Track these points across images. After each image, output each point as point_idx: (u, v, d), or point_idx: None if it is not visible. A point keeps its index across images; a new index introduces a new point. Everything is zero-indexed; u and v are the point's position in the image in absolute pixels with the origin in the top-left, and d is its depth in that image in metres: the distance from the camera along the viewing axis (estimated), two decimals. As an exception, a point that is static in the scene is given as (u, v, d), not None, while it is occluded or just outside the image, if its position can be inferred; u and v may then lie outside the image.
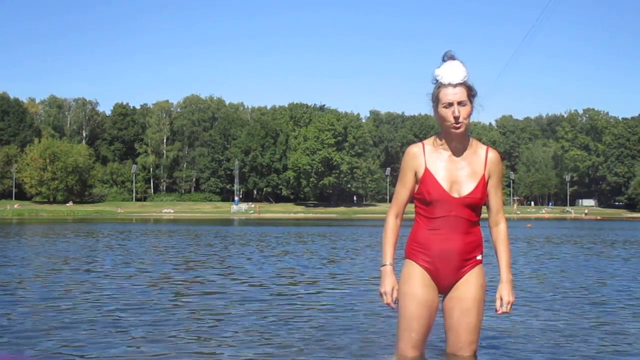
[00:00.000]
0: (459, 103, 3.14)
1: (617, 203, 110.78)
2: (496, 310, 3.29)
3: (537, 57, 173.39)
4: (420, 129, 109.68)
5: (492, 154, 3.28)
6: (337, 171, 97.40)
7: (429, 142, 3.29)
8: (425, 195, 3.20)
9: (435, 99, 3.22)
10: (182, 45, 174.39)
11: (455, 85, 3.16)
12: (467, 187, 3.19)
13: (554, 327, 5.12)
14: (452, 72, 3.15)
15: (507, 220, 3.41)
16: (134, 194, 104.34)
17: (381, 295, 3.28)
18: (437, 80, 3.22)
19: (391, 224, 3.31)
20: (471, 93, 3.19)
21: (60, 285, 7.60)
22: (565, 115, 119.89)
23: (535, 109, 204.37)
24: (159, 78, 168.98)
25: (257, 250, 14.41)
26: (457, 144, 3.23)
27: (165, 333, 4.75)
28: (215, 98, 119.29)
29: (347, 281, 8.25)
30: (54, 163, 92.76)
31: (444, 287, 3.26)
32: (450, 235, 3.18)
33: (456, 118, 3.13)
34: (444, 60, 3.22)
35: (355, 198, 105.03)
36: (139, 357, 4.08)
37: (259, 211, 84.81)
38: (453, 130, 3.16)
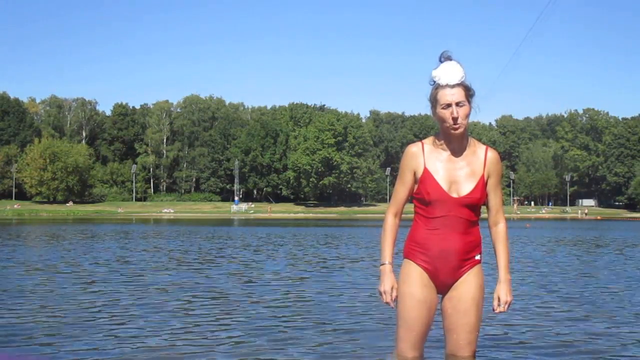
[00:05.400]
0: (457, 104, 3.14)
1: (617, 203, 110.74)
2: (493, 309, 3.29)
3: (537, 57, 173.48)
4: (420, 129, 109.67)
5: (491, 154, 3.27)
6: (337, 171, 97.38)
7: (428, 142, 3.29)
8: (425, 195, 3.20)
9: (434, 100, 3.22)
10: (182, 45, 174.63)
11: (453, 86, 3.15)
12: (466, 187, 3.19)
13: (553, 326, 5.12)
14: (449, 73, 3.15)
15: (507, 220, 3.41)
16: (134, 194, 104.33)
17: (380, 294, 3.28)
18: (434, 82, 3.22)
19: (390, 223, 3.31)
20: (469, 93, 3.19)
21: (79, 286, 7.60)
22: (565, 115, 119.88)
23: (535, 109, 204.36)
24: (159, 78, 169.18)
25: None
26: (456, 144, 3.23)
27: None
28: (215, 98, 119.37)
29: (347, 285, 8.25)
30: (54, 163, 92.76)
31: (442, 287, 3.26)
32: (449, 235, 3.18)
33: (455, 119, 3.13)
34: (440, 61, 3.21)
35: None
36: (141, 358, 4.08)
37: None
38: (452, 131, 3.16)
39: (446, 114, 3.15)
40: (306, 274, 9.20)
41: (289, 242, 18.05)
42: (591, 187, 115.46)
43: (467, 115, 3.17)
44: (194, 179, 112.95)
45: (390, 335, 4.09)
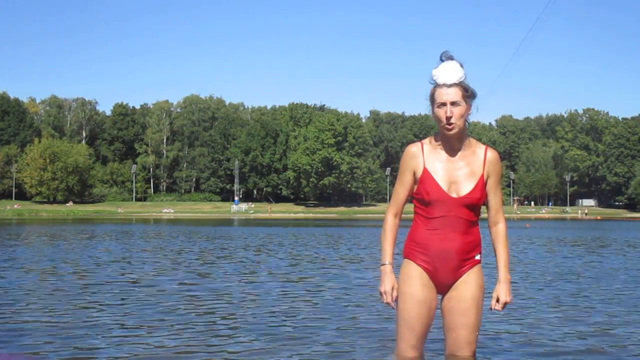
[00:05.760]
0: (452, 103, 3.14)
1: (617, 203, 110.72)
2: (490, 308, 3.29)
3: (537, 57, 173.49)
4: (420, 129, 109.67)
5: (491, 154, 3.27)
6: (337, 171, 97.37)
7: (427, 142, 3.29)
8: (424, 196, 3.20)
9: (431, 99, 3.23)
10: (182, 45, 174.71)
11: (450, 86, 3.15)
12: (465, 187, 3.19)
13: (553, 327, 5.12)
14: (447, 73, 3.15)
15: (507, 220, 3.40)
16: (134, 194, 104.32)
17: (381, 294, 3.28)
18: (434, 81, 3.22)
19: (390, 223, 3.31)
20: (467, 94, 3.18)
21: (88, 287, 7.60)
22: (565, 115, 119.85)
23: (535, 109, 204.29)
24: (159, 78, 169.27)
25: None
26: (456, 144, 3.23)
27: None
28: (215, 98, 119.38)
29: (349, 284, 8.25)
30: (54, 163, 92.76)
31: (442, 287, 3.26)
32: (449, 235, 3.18)
33: (448, 118, 3.13)
34: (441, 60, 3.22)
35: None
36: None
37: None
38: (446, 131, 3.17)
39: (441, 112, 3.15)
40: (307, 274, 9.20)
41: (290, 242, 18.05)
42: (591, 187, 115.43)
43: (463, 116, 3.16)
44: (194, 179, 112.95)
45: (391, 335, 4.09)
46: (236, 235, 22.98)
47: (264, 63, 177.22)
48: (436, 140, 3.26)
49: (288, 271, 9.57)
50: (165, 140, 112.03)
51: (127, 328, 4.94)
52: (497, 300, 3.26)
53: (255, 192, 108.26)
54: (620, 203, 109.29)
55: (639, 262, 11.64)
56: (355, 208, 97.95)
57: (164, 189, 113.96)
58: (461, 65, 3.18)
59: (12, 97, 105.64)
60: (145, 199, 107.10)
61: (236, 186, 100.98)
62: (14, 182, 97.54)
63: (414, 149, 3.27)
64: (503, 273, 3.28)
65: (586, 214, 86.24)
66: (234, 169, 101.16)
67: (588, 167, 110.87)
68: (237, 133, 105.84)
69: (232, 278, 8.56)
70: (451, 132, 3.16)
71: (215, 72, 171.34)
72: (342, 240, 18.95)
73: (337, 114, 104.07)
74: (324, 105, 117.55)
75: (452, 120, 3.13)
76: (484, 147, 3.29)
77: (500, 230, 3.32)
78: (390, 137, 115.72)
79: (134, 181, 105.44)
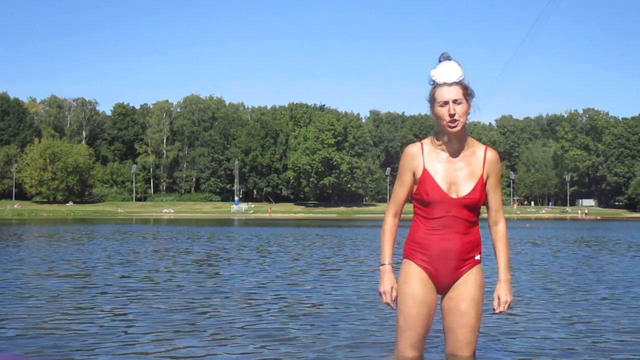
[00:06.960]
0: (455, 101, 3.14)
1: (617, 203, 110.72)
2: (494, 310, 3.29)
3: (537, 57, 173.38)
4: (420, 129, 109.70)
5: (491, 154, 3.27)
6: (337, 171, 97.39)
7: (427, 142, 3.28)
8: (424, 196, 3.19)
9: (432, 99, 3.23)
10: (182, 45, 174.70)
11: (451, 84, 3.16)
12: (465, 188, 3.18)
13: (553, 326, 5.11)
14: (447, 72, 3.17)
15: (507, 220, 3.40)
16: (134, 194, 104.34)
17: (380, 294, 3.28)
18: (433, 81, 3.22)
19: (390, 223, 3.30)
20: (467, 92, 3.19)
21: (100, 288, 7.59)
22: (565, 115, 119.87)
23: (535, 109, 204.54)
24: (159, 78, 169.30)
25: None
26: (456, 144, 3.22)
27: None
28: (215, 98, 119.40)
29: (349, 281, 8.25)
30: (54, 163, 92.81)
31: (442, 287, 3.26)
32: (449, 236, 3.17)
33: (452, 116, 3.13)
34: (440, 62, 3.23)
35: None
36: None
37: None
38: (449, 129, 3.16)
39: (443, 111, 3.15)
40: (307, 274, 9.20)
41: (290, 242, 18.05)
42: (591, 187, 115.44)
43: (465, 114, 3.17)
44: (194, 179, 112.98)
45: (390, 335, 4.09)
46: (236, 235, 22.98)
47: (264, 63, 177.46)
48: (436, 141, 3.26)
49: (288, 272, 9.57)
50: (165, 140, 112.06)
51: (127, 329, 4.94)
52: (499, 301, 3.26)
53: (255, 192, 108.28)
54: (620, 203, 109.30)
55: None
56: (355, 208, 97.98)
57: (164, 189, 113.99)
58: (459, 65, 3.19)
59: (12, 97, 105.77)
60: (145, 199, 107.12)
61: (236, 186, 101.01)
62: (14, 182, 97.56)
63: (413, 149, 3.27)
64: (503, 273, 3.28)
65: (586, 214, 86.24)
66: (234, 169, 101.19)
67: (588, 167, 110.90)
68: (237, 133, 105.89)
69: (232, 278, 8.56)
70: (454, 130, 3.16)
71: (215, 72, 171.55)
72: (342, 241, 18.95)
73: (337, 114, 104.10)
74: (324, 105, 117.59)
75: (456, 118, 3.13)
76: (483, 147, 3.28)
77: (500, 230, 3.32)
78: (390, 137, 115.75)
79: (134, 181, 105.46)
